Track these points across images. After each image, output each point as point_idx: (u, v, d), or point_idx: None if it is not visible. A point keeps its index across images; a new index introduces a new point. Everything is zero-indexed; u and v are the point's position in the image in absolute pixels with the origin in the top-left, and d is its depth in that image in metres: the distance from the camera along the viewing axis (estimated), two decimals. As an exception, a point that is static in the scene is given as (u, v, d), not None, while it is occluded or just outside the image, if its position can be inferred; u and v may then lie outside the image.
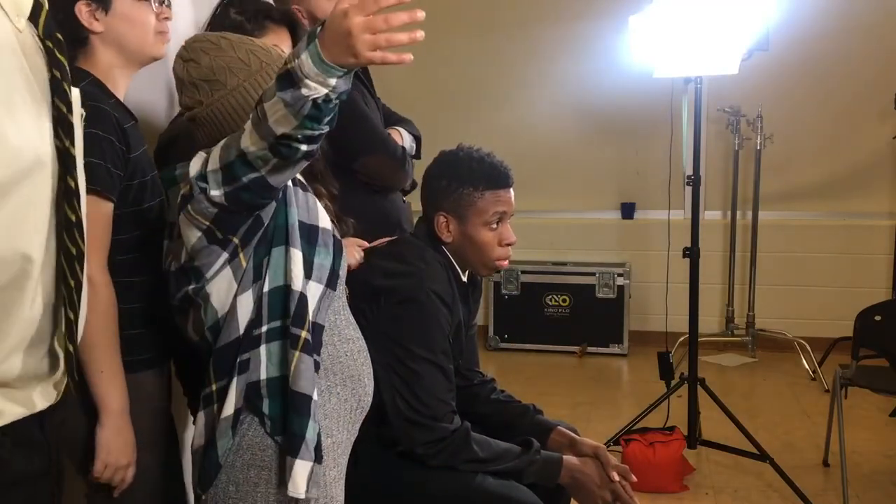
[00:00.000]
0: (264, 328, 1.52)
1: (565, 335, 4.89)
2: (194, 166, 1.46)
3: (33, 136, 1.09)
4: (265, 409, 1.51)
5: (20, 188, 1.06)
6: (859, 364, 3.00)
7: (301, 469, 1.47)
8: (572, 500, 2.09)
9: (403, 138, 2.68)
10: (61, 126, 1.13)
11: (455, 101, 5.09)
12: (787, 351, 4.73)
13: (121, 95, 1.75)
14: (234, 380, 1.51)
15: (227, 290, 1.52)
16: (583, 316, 4.91)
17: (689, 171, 3.28)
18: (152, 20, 1.75)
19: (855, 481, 3.17)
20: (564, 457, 2.01)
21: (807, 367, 4.53)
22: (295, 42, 2.14)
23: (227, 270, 1.51)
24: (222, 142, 1.44)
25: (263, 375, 1.51)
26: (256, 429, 1.51)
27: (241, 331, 1.51)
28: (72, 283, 1.15)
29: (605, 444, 3.21)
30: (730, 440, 3.27)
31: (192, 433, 1.61)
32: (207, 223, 1.47)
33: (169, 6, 1.80)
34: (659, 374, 3.41)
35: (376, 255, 2.09)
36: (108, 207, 1.62)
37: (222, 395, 1.52)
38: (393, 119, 2.80)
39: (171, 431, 1.85)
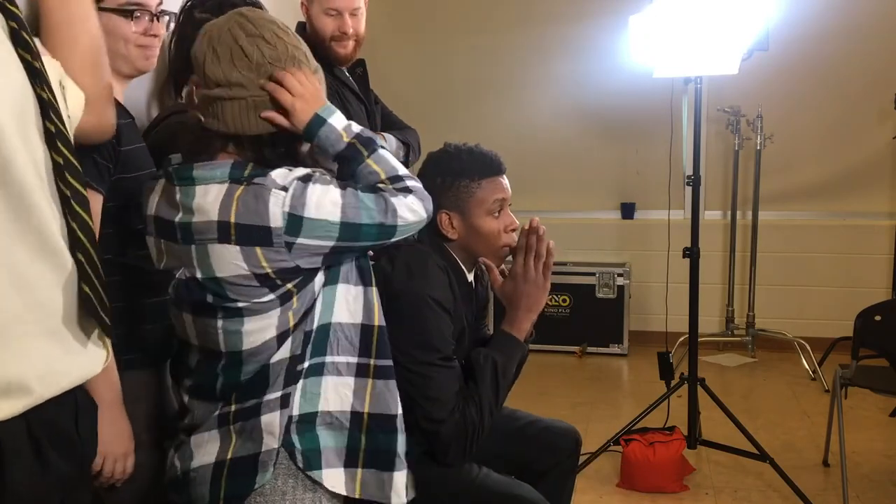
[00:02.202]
0: (307, 363, 1.55)
1: (565, 335, 4.89)
2: (275, 215, 1.44)
3: (18, 82, 1.14)
4: (297, 443, 1.55)
5: (14, 128, 1.11)
6: (859, 364, 3.00)
7: (399, 479, 1.61)
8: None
9: (386, 141, 2.67)
10: (30, 73, 1.16)
11: (455, 101, 5.10)
12: (787, 351, 4.73)
13: (118, 96, 1.75)
14: (278, 413, 1.53)
15: (264, 329, 1.51)
16: (583, 316, 4.91)
17: (689, 171, 3.28)
18: (129, 33, 1.75)
19: (855, 481, 3.17)
20: (499, 328, 2.05)
21: (807, 367, 4.53)
22: None
23: (273, 315, 1.51)
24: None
25: (296, 411, 1.55)
26: (288, 463, 1.55)
27: (284, 365, 1.54)
28: (74, 224, 1.18)
29: (605, 444, 3.23)
30: (730, 440, 3.27)
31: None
32: (268, 270, 1.47)
33: (159, 22, 1.81)
34: (659, 374, 3.40)
35: (378, 260, 2.09)
36: (96, 198, 1.61)
37: (246, 416, 1.54)
38: (395, 126, 2.79)
39: (159, 431, 1.83)
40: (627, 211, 5.12)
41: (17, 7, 1.19)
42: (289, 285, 1.49)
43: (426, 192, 1.58)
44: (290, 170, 1.50)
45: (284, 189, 1.45)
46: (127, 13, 1.77)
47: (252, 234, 1.44)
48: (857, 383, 3.04)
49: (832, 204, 4.89)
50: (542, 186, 5.04)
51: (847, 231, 4.84)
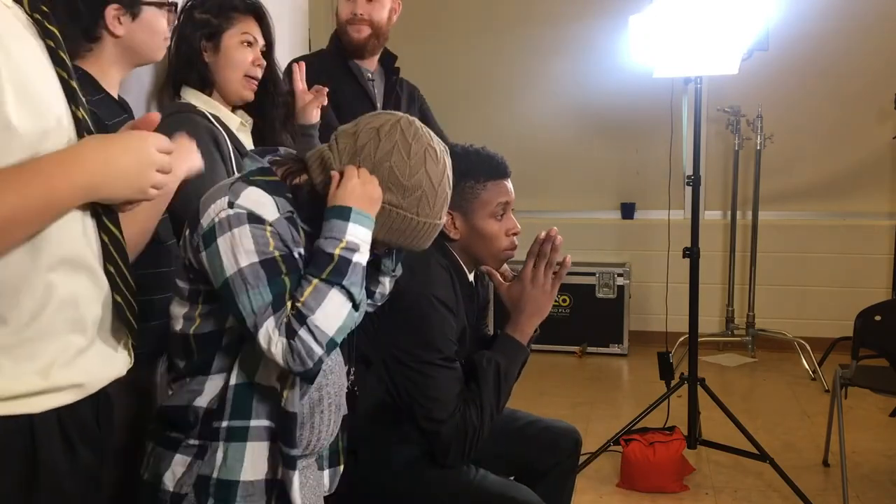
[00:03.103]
0: (226, 423, 1.49)
1: (565, 335, 4.89)
2: (209, 216, 1.44)
3: (53, 96, 1.16)
4: None
5: (45, 145, 1.11)
6: (859, 364, 3.00)
7: None
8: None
9: None
10: (66, 91, 1.19)
11: (455, 101, 5.08)
12: (787, 351, 4.73)
13: (113, 92, 1.76)
14: (189, 460, 1.50)
15: (176, 319, 1.54)
16: (583, 316, 4.91)
17: (689, 171, 3.28)
18: (166, 28, 1.77)
19: (855, 481, 3.17)
20: (502, 331, 2.05)
21: (807, 367, 4.53)
22: (263, 30, 2.16)
23: (182, 307, 1.53)
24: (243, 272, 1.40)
25: (215, 473, 1.50)
26: None
27: (201, 413, 1.50)
28: (105, 238, 1.21)
29: (605, 444, 3.23)
30: (730, 440, 3.27)
31: None
32: (184, 255, 1.51)
33: (175, 14, 1.83)
34: (659, 374, 3.40)
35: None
36: None
37: (166, 445, 1.53)
38: None
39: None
40: (627, 211, 5.12)
41: (54, 25, 1.21)
42: (200, 286, 1.50)
43: (304, 361, 1.38)
44: (277, 203, 1.45)
45: (231, 206, 1.43)
46: (167, 5, 1.79)
47: (193, 217, 1.49)
48: (857, 383, 3.04)
49: (832, 204, 4.89)
50: (542, 186, 5.04)
51: (847, 231, 4.84)
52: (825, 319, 4.77)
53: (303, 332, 1.37)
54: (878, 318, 2.87)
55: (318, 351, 1.39)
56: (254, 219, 1.42)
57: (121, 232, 1.24)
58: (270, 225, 1.43)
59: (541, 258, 2.02)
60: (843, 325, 3.84)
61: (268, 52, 2.18)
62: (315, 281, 1.40)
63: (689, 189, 3.36)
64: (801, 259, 4.90)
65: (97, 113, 1.65)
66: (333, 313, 1.40)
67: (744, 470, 3.29)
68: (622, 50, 3.54)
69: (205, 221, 1.44)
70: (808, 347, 4.60)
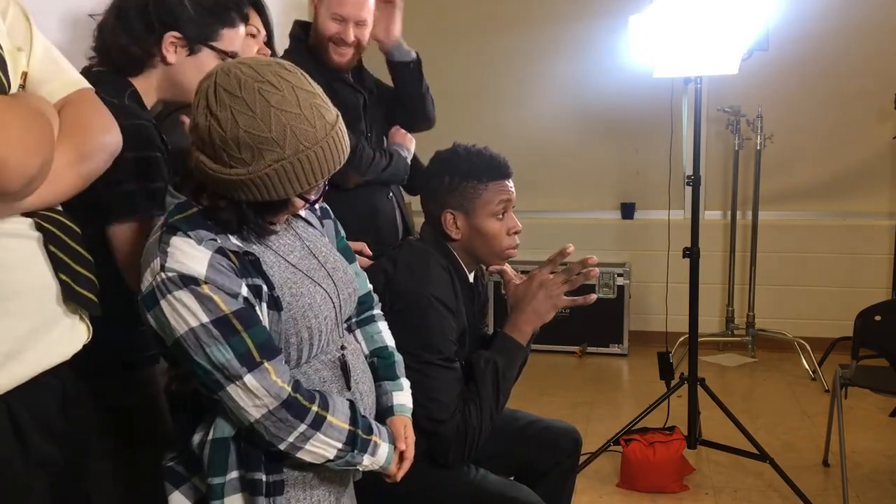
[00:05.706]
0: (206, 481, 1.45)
1: (565, 335, 4.89)
2: (147, 280, 1.36)
3: None
4: None
5: None
6: (859, 364, 3.00)
7: None
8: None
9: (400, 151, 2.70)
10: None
11: (455, 101, 5.07)
12: (787, 351, 4.73)
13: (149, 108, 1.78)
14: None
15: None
16: (583, 316, 4.90)
17: (689, 171, 3.28)
18: None
19: (855, 481, 3.17)
20: (500, 330, 2.06)
21: (807, 367, 4.53)
22: (263, 19, 2.15)
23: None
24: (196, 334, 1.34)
25: None
26: None
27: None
28: (40, 220, 1.23)
29: (605, 444, 3.23)
30: (730, 440, 3.27)
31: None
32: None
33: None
34: (659, 374, 3.40)
35: (380, 260, 2.09)
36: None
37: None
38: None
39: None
40: (627, 211, 5.12)
41: None
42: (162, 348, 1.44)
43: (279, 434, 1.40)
44: (203, 244, 1.36)
45: (163, 269, 1.34)
46: (227, 54, 1.78)
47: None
48: (857, 383, 3.04)
49: (832, 204, 4.89)
50: (542, 186, 5.04)
51: (847, 231, 4.84)
52: (825, 319, 4.77)
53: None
54: (878, 318, 2.88)
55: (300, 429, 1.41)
56: (188, 281, 1.33)
57: (59, 213, 1.25)
58: (206, 282, 1.34)
59: (566, 274, 2.02)
60: (843, 325, 3.84)
61: (269, 43, 2.20)
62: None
63: (689, 189, 3.37)
64: (801, 259, 4.90)
65: (158, 129, 1.67)
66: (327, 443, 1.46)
67: (744, 470, 3.29)
68: (622, 50, 3.53)
69: (143, 285, 1.36)
70: (808, 347, 4.60)
